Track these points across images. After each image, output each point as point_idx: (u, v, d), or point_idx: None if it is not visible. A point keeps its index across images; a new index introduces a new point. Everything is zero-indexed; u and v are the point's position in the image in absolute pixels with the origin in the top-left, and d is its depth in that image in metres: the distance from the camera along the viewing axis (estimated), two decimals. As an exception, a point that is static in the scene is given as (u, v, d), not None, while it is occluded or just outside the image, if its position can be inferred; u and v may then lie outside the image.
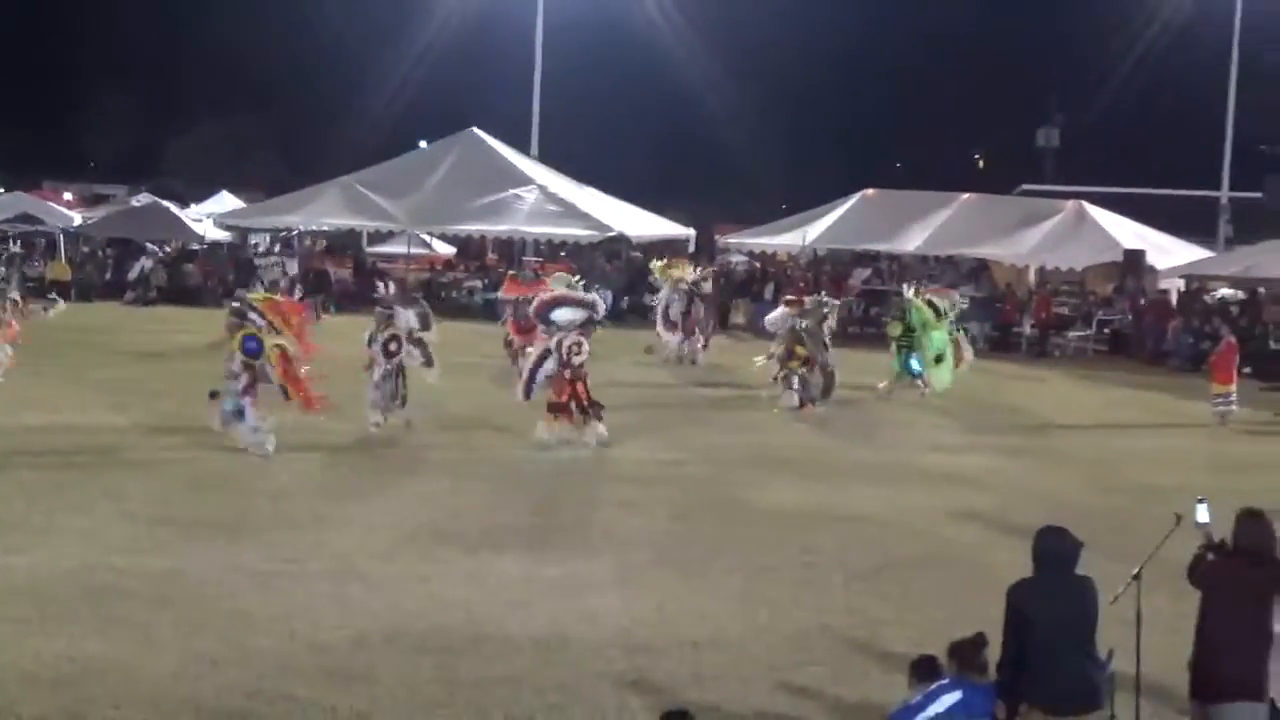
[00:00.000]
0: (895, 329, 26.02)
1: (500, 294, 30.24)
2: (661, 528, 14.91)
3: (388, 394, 20.07)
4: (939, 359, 25.70)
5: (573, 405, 19.31)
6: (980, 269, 40.34)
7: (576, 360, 19.29)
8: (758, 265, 44.15)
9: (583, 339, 19.42)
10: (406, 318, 20.39)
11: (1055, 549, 7.79)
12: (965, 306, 28.21)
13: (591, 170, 47.54)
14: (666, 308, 30.14)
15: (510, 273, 33.24)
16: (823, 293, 27.37)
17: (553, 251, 43.98)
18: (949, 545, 14.56)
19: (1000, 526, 15.26)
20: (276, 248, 36.09)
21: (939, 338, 25.66)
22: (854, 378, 25.56)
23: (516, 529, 14.52)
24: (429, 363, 20.60)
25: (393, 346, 20.12)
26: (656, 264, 32.76)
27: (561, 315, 19.57)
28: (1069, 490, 17.71)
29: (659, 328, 30.25)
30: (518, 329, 29.55)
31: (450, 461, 18.04)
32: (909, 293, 26.27)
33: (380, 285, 21.66)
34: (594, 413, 19.41)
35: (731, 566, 13.31)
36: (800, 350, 23.51)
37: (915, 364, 25.52)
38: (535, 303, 20.18)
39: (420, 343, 20.47)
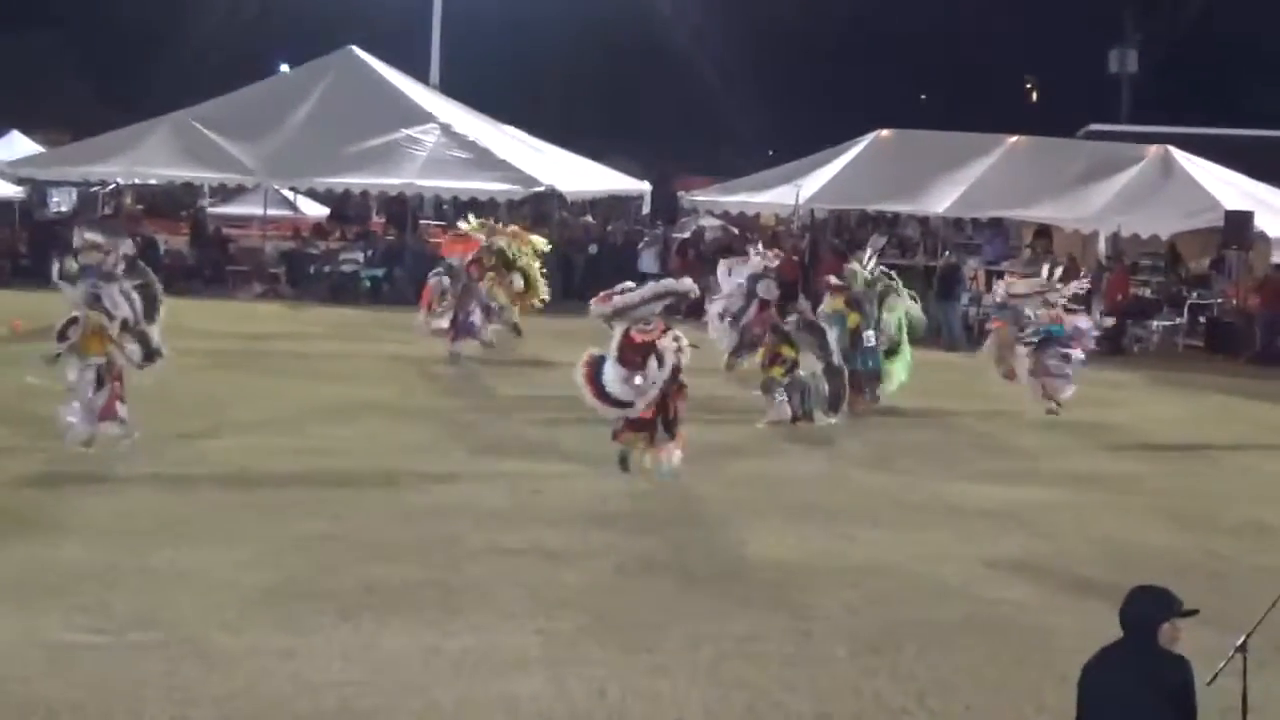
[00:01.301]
0: (836, 305, 26.18)
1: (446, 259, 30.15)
2: (606, 585, 14.90)
3: (87, 401, 19.52)
4: (890, 351, 25.78)
5: (659, 422, 19.24)
6: (1041, 236, 40.40)
7: (684, 361, 19.19)
8: (735, 232, 44.17)
9: (679, 333, 19.42)
10: (110, 295, 19.47)
11: (1127, 611, 7.90)
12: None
13: (511, 105, 47.49)
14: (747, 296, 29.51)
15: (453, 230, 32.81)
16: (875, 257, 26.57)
17: (459, 212, 43.89)
18: (991, 607, 14.60)
19: (1059, 582, 15.32)
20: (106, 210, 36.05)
21: (895, 321, 25.73)
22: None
23: (411, 587, 14.46)
24: (148, 359, 19.79)
25: (71, 332, 19.47)
26: (472, 224, 32.06)
27: (646, 310, 19.44)
28: (1151, 533, 17.82)
29: (712, 324, 29.40)
30: (427, 301, 29.42)
31: (323, 496, 17.97)
32: (869, 261, 26.20)
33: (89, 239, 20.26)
34: (672, 431, 19.37)
35: (699, 636, 13.28)
36: (787, 351, 23.56)
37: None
38: (611, 305, 19.74)
39: (139, 333, 19.72)
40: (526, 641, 13.03)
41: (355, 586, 14.37)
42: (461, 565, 15.32)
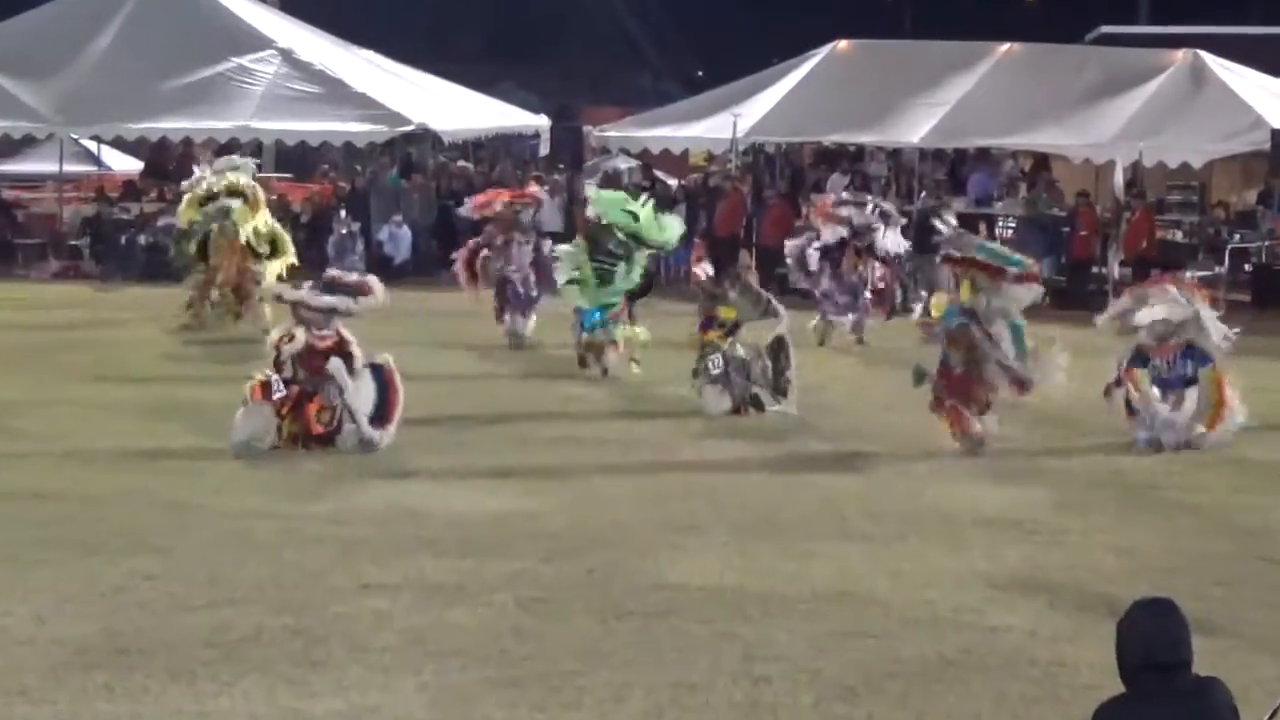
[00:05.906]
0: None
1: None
2: (507, 626, 14.85)
3: None
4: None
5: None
6: (1039, 168, 40.48)
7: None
8: (657, 175, 44.11)
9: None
10: None
11: (1155, 642, 7.61)
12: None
13: (370, 24, 47.31)
14: (802, 254, 30.76)
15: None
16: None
17: (312, 160, 43.73)
18: (992, 637, 14.66)
19: (1075, 602, 15.37)
20: None
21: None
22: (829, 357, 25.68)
23: (262, 636, 14.39)
24: None
25: None
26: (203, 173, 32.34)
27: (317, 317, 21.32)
28: (1186, 539, 17.93)
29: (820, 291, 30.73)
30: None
31: (146, 524, 17.87)
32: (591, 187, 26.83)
33: None
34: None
35: (626, 686, 13.29)
36: (725, 313, 23.63)
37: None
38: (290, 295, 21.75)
39: None
40: (410, 701, 12.99)
41: (190, 638, 14.25)
42: (325, 607, 15.23)
